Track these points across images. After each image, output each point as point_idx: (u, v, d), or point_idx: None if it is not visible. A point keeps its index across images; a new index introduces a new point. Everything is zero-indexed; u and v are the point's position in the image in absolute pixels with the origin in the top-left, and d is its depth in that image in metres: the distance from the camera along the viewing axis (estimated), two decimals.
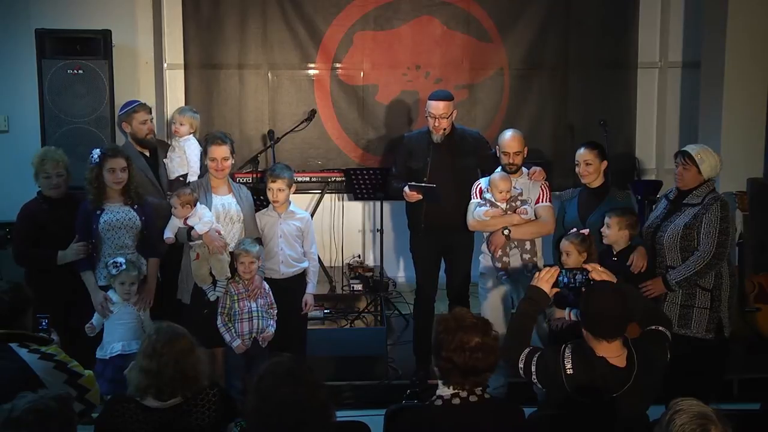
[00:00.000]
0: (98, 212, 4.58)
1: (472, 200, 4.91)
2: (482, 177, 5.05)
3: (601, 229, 4.50)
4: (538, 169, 4.97)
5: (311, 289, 5.07)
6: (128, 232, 4.62)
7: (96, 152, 4.59)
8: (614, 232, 4.46)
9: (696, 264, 4.36)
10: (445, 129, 5.01)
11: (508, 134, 4.91)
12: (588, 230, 4.43)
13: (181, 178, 5.23)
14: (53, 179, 4.72)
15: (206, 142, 4.88)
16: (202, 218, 4.63)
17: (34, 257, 4.71)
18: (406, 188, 5.03)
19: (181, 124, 5.34)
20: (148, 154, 5.23)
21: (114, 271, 4.47)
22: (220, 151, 4.79)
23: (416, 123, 6.82)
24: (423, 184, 4.98)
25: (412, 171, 5.13)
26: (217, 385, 3.10)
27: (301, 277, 5.03)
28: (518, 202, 4.81)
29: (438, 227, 5.04)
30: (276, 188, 4.87)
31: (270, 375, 2.48)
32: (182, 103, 6.87)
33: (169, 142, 5.48)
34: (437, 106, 4.99)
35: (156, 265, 4.74)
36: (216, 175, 4.83)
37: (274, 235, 4.93)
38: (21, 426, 2.37)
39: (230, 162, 4.87)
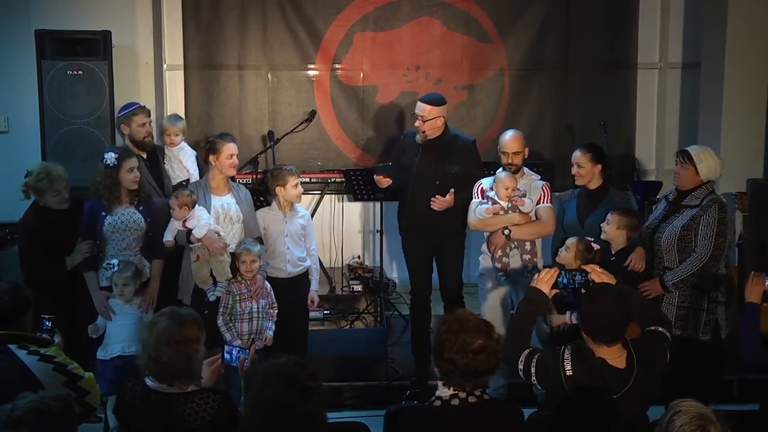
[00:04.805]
0: (103, 213, 4.58)
1: (473, 200, 4.92)
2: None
3: (601, 224, 4.52)
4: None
5: (315, 286, 5.12)
6: (132, 234, 4.62)
7: (111, 155, 4.54)
8: (612, 230, 4.48)
9: (692, 265, 4.37)
10: (425, 131, 4.98)
11: (509, 134, 4.93)
12: (599, 247, 4.41)
13: (184, 183, 5.26)
14: (63, 194, 4.72)
15: (214, 143, 4.86)
16: (200, 220, 4.64)
17: (46, 273, 4.65)
18: (375, 176, 5.14)
19: (175, 135, 5.37)
20: (145, 156, 5.23)
21: (108, 273, 4.48)
22: (235, 148, 4.89)
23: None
24: (382, 164, 5.11)
25: (402, 168, 5.15)
26: (222, 392, 3.07)
27: (304, 276, 5.06)
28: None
29: (420, 226, 5.06)
30: (299, 182, 4.99)
31: (261, 376, 2.47)
32: (182, 105, 6.89)
33: (162, 147, 5.49)
34: (421, 108, 5.00)
35: (160, 267, 4.73)
36: (231, 172, 4.89)
37: (280, 235, 4.95)
38: (22, 426, 2.36)
39: None
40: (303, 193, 6.15)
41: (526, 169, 4.99)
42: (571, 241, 4.37)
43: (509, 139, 4.89)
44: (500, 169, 4.91)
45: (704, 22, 6.74)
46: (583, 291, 3.39)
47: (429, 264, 5.27)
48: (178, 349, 2.95)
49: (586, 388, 3.06)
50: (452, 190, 4.92)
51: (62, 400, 2.53)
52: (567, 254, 4.30)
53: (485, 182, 4.94)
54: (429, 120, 4.97)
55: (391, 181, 5.09)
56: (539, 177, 5.03)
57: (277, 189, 4.95)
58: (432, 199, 4.93)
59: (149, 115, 5.33)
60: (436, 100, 5.04)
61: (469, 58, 7.11)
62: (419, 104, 5.02)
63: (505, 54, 7.13)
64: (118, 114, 5.38)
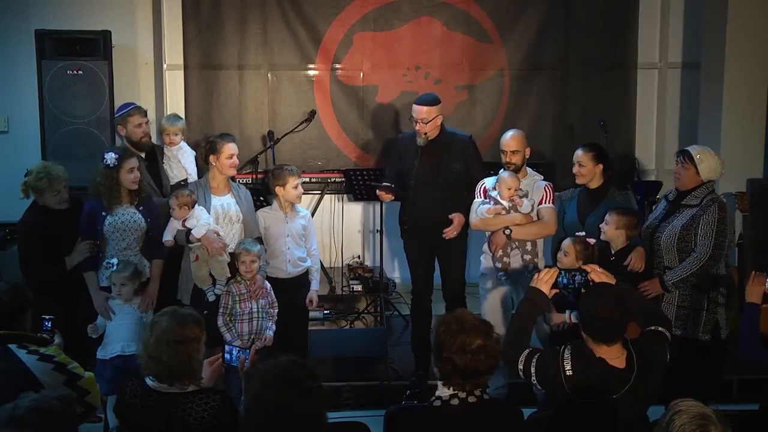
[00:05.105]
0: (103, 213, 4.58)
1: (476, 199, 4.93)
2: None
3: (600, 225, 4.53)
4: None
5: (315, 286, 5.12)
6: (133, 234, 4.62)
7: (111, 156, 4.53)
8: (611, 230, 4.48)
9: (692, 265, 4.37)
10: (426, 133, 4.99)
11: (509, 134, 4.94)
12: (594, 240, 4.42)
13: (182, 182, 5.26)
14: (63, 194, 4.72)
15: (214, 143, 4.85)
16: (199, 220, 4.63)
17: (46, 273, 4.65)
18: (377, 191, 5.17)
19: (174, 135, 5.36)
20: (143, 156, 5.22)
21: (107, 273, 4.48)
22: (235, 148, 4.88)
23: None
24: (384, 184, 5.11)
25: (401, 173, 5.15)
26: (222, 392, 3.08)
27: (304, 277, 5.06)
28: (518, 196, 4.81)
29: (423, 228, 5.06)
30: (300, 183, 4.97)
31: (261, 376, 2.47)
32: (182, 105, 6.90)
33: (161, 146, 5.49)
34: (419, 110, 5.00)
35: (159, 267, 4.73)
36: (231, 172, 4.89)
37: (281, 235, 4.95)
38: (24, 425, 2.37)
39: None
40: (304, 193, 6.18)
41: (529, 170, 4.99)
42: (566, 243, 4.36)
43: (509, 138, 4.90)
44: (503, 169, 4.91)
45: (704, 22, 6.74)
46: (583, 291, 3.38)
47: (431, 264, 5.27)
48: (178, 349, 2.95)
49: (586, 387, 3.06)
50: (455, 215, 4.98)
51: (64, 399, 2.54)
52: (567, 258, 4.29)
53: (488, 182, 4.95)
54: (430, 121, 4.98)
55: (393, 197, 5.13)
56: (542, 177, 5.03)
57: (277, 189, 4.95)
58: (443, 233, 4.97)
59: (146, 116, 5.33)
60: (431, 101, 5.05)
61: (469, 58, 7.11)
62: (416, 107, 5.02)
63: (505, 54, 7.13)
64: (114, 115, 5.38)
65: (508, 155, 4.86)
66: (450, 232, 4.99)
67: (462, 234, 5.14)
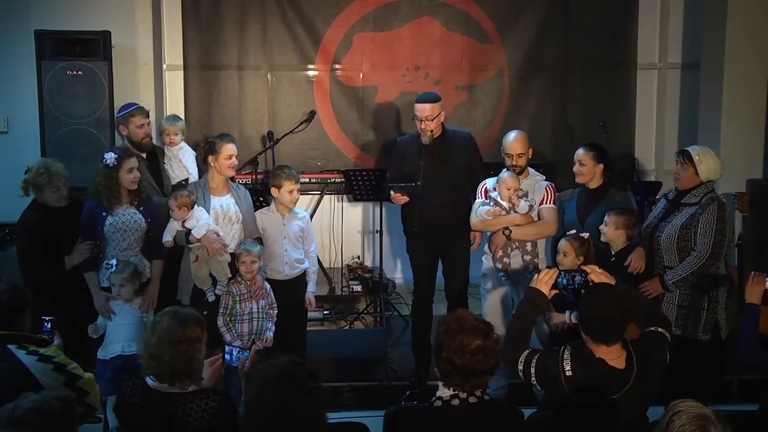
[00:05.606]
0: (104, 214, 4.57)
1: (477, 200, 4.93)
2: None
3: (600, 227, 4.53)
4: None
5: (312, 287, 5.11)
6: (133, 234, 4.62)
7: (111, 155, 4.53)
8: (611, 231, 4.48)
9: (692, 264, 4.37)
10: (432, 131, 5.00)
11: (512, 136, 4.92)
12: (588, 234, 4.42)
13: (183, 182, 5.26)
14: (62, 191, 4.72)
15: (213, 144, 4.85)
16: (199, 221, 4.63)
17: (45, 272, 4.65)
18: (391, 192, 5.10)
19: (174, 135, 5.37)
20: (144, 156, 5.22)
21: (107, 273, 4.48)
22: (234, 148, 4.86)
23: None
24: (403, 184, 5.05)
25: (405, 175, 5.13)
26: (223, 393, 3.07)
27: (301, 278, 5.05)
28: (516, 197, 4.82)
29: (431, 228, 5.05)
30: (296, 189, 4.93)
31: (261, 376, 2.47)
32: (182, 105, 6.91)
33: (161, 146, 5.49)
34: (423, 108, 4.99)
35: (160, 267, 4.72)
36: (230, 172, 4.87)
37: (278, 237, 4.94)
38: (24, 425, 2.38)
39: None
40: (304, 193, 6.17)
41: (531, 170, 4.98)
42: (563, 244, 4.36)
43: (513, 140, 4.87)
44: (504, 170, 4.91)
45: (704, 22, 6.74)
46: (583, 291, 3.38)
47: (434, 265, 5.26)
48: (180, 349, 2.96)
49: (586, 388, 3.06)
50: (473, 237, 5.12)
51: (64, 400, 2.54)
52: (567, 258, 4.30)
53: (489, 182, 4.95)
54: (434, 118, 4.98)
55: (408, 198, 5.08)
56: (544, 177, 5.03)
57: (272, 190, 4.94)
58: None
59: (147, 116, 5.32)
60: (433, 98, 5.06)
61: (468, 58, 7.11)
62: (419, 106, 5.02)
63: (505, 54, 7.13)
64: (116, 115, 5.39)
65: (514, 158, 4.84)
66: (474, 248, 5.13)
67: (468, 234, 5.13)
